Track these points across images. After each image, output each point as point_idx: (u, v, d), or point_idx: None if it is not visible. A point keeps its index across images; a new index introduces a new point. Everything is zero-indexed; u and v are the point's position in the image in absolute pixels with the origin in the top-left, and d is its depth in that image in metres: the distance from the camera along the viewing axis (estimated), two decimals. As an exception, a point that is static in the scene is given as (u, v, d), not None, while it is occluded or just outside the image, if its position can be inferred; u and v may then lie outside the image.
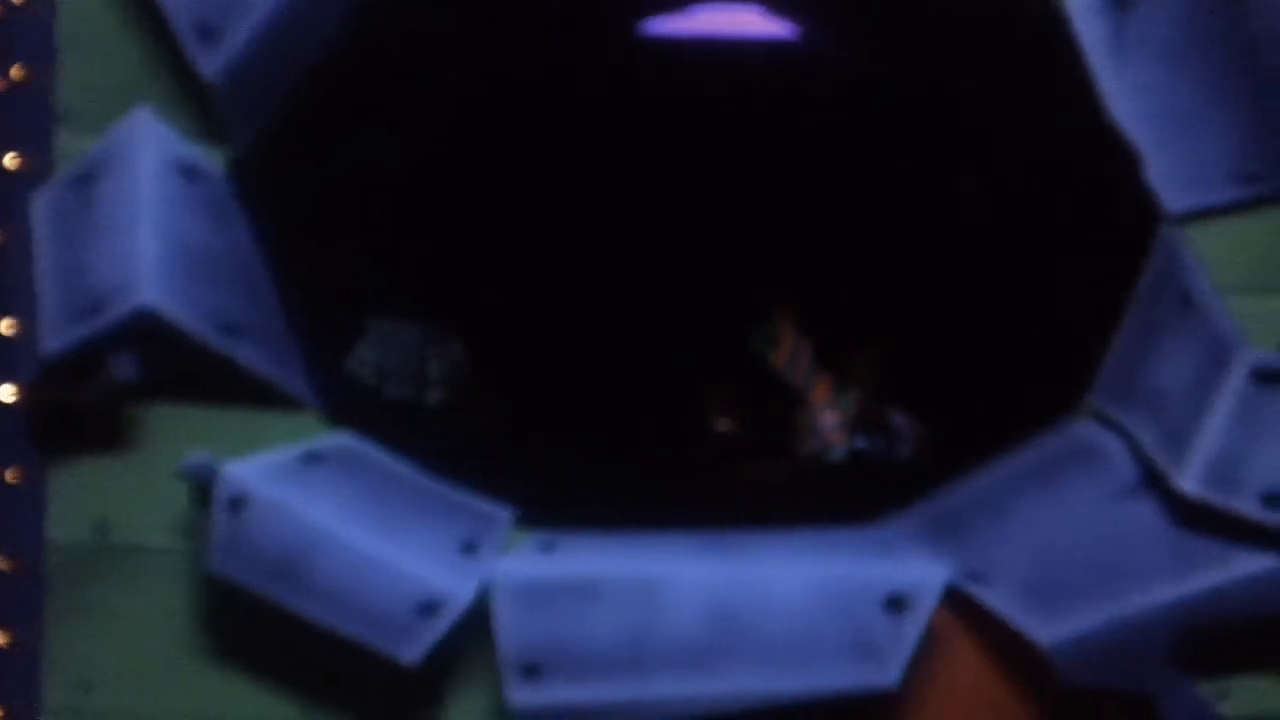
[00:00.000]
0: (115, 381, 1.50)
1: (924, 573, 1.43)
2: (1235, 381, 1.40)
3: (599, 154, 2.66)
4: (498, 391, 2.47)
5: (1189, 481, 1.40)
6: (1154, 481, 1.46)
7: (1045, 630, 1.42)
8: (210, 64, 1.51)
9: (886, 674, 1.38)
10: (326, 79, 1.70)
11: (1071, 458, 1.53)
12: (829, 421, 2.37)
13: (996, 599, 1.46)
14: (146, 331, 1.48)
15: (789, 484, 2.41)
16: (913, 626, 1.40)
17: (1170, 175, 1.52)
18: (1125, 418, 1.52)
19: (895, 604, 1.41)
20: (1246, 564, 1.40)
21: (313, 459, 1.52)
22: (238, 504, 1.42)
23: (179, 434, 1.56)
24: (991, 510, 1.53)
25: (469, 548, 1.50)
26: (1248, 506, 1.38)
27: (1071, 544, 1.47)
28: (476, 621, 1.47)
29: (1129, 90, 1.54)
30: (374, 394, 2.39)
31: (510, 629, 1.41)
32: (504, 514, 1.58)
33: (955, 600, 1.52)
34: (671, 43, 2.63)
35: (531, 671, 1.39)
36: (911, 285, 2.55)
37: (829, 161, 2.64)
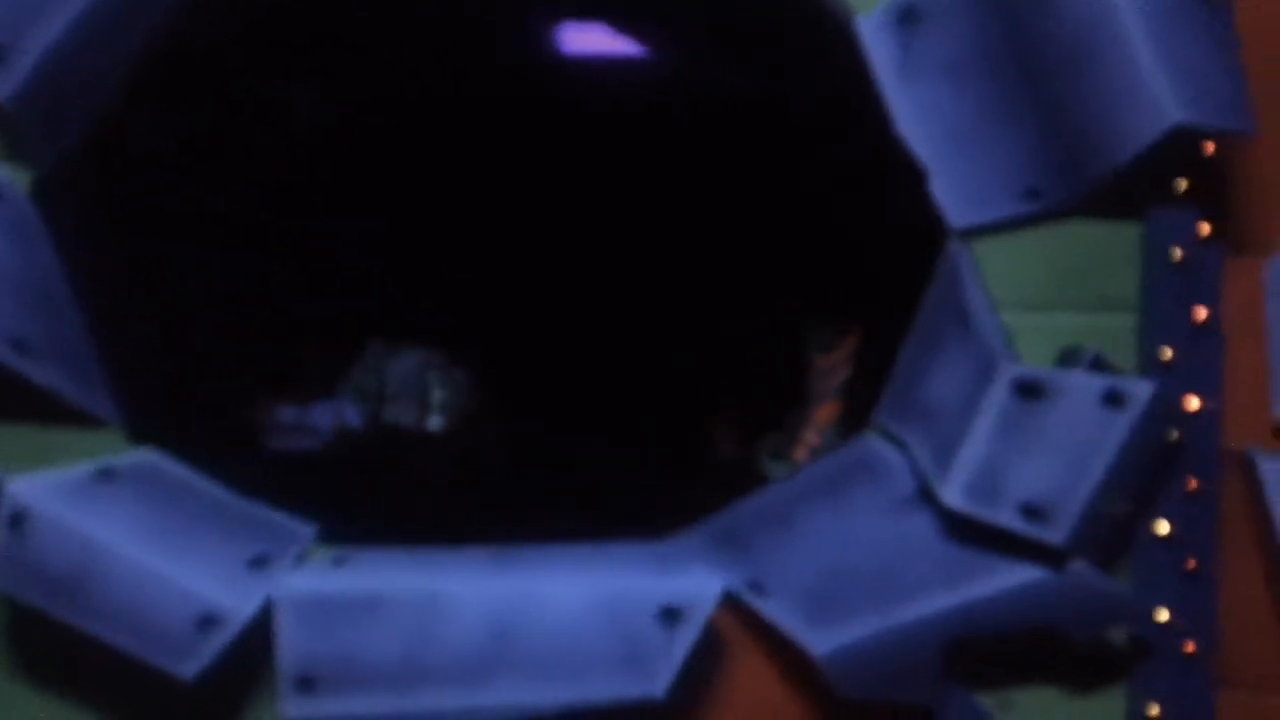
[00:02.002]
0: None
1: (699, 585, 1.44)
2: (997, 395, 1.42)
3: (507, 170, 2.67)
4: (501, 414, 2.47)
5: (951, 494, 1.42)
6: (929, 495, 1.49)
7: (818, 641, 1.43)
8: (1, 84, 1.54)
9: (655, 685, 1.38)
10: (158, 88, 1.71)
11: (856, 471, 1.54)
12: (813, 443, 2.38)
13: (775, 610, 1.48)
14: (-66, 350, 1.51)
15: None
16: (684, 638, 1.41)
17: (954, 191, 1.53)
18: (904, 432, 1.53)
19: (668, 616, 1.42)
20: (1012, 576, 1.41)
21: (106, 475, 1.53)
22: (19, 520, 1.43)
23: (-20, 451, 1.60)
24: (777, 523, 1.54)
25: (259, 563, 1.52)
26: (1007, 518, 1.39)
27: (849, 556, 1.49)
28: (267, 636, 1.50)
29: (915, 107, 1.55)
30: (372, 418, 2.39)
31: (288, 642, 1.42)
32: (305, 530, 1.60)
33: (741, 612, 1.55)
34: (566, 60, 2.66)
35: (306, 684, 1.40)
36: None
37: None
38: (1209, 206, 1.53)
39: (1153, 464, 1.44)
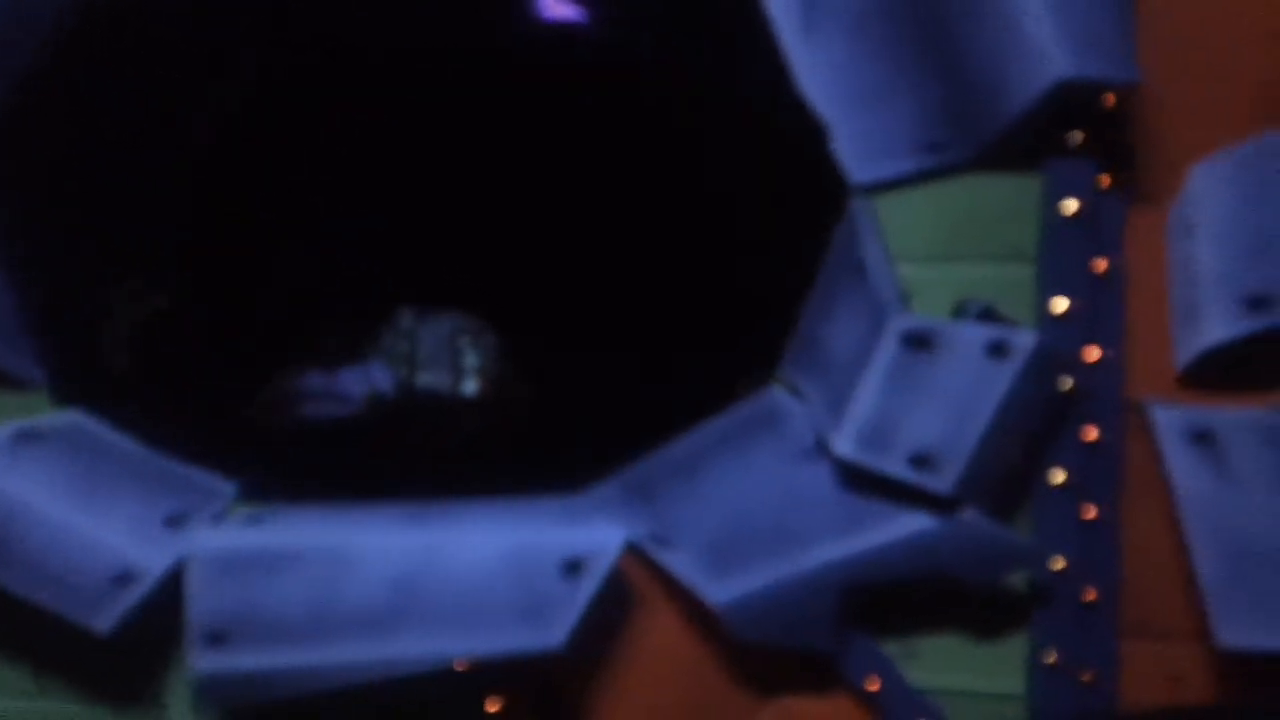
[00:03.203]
0: None
1: (601, 537, 1.46)
2: (887, 346, 1.43)
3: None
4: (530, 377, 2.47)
5: (842, 445, 1.44)
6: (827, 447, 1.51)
7: (716, 590, 1.46)
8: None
9: (553, 636, 1.41)
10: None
11: (759, 423, 1.56)
12: None
13: (677, 561, 1.50)
14: None
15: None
16: (585, 590, 1.44)
17: (856, 147, 1.55)
18: (804, 384, 1.55)
19: (570, 568, 1.45)
20: (904, 524, 1.43)
21: (27, 436, 1.56)
22: (-62, 480, 1.49)
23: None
24: (683, 475, 1.56)
25: (176, 521, 1.55)
26: (896, 468, 1.41)
27: (750, 507, 1.51)
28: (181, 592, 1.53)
29: (817, 64, 1.56)
30: (404, 384, 2.41)
31: (199, 598, 1.45)
32: (226, 488, 1.63)
33: (650, 564, 1.57)
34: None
35: (216, 639, 1.44)
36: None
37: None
38: (1109, 158, 1.54)
39: (1043, 413, 1.46)
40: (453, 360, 2.59)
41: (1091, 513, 1.53)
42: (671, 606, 1.55)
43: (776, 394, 1.58)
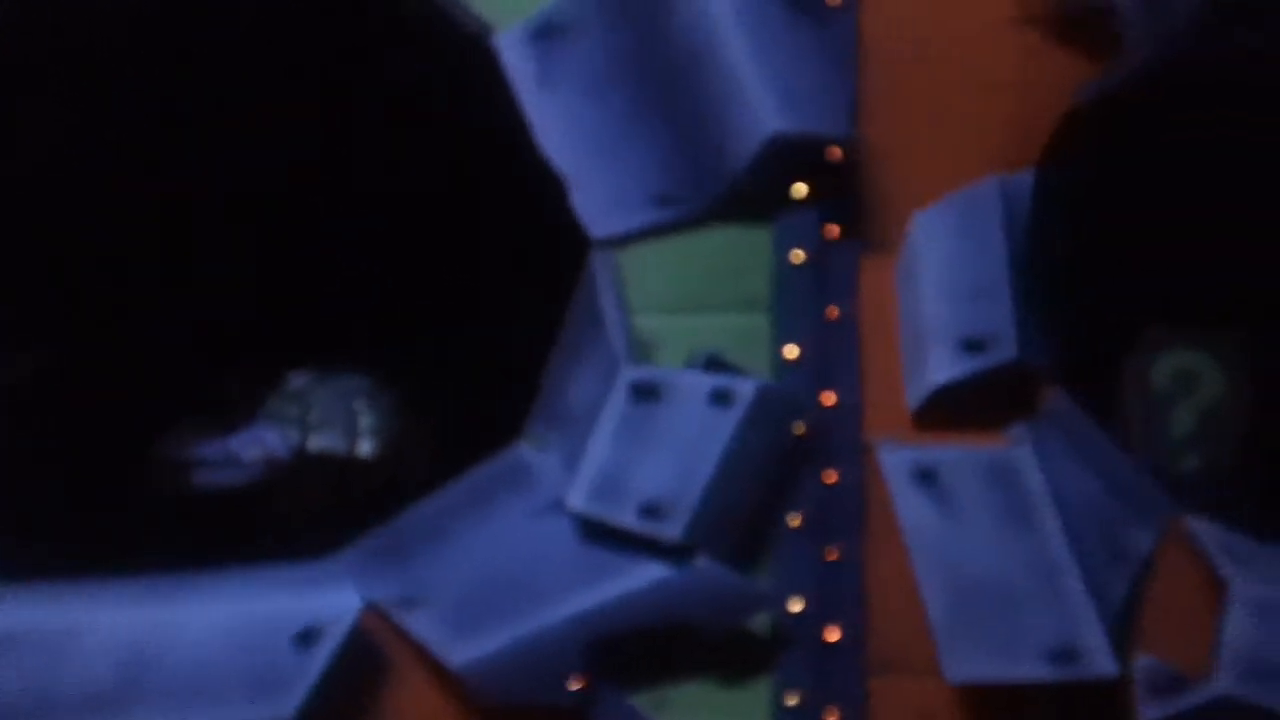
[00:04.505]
0: None
1: (337, 604, 1.44)
2: (617, 398, 1.46)
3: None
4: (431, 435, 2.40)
5: (575, 497, 1.45)
6: (568, 499, 1.52)
7: (456, 651, 1.44)
8: None
9: (285, 707, 1.38)
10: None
11: (506, 480, 1.56)
12: None
13: (422, 623, 1.48)
14: None
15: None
16: (319, 658, 1.41)
17: (594, 202, 1.57)
18: (549, 438, 1.56)
19: (305, 637, 1.42)
20: (641, 574, 1.44)
21: None
22: None
23: None
24: (432, 535, 1.55)
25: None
26: (627, 519, 1.42)
27: (496, 564, 1.51)
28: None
29: (554, 120, 1.59)
30: (298, 447, 2.32)
31: None
32: None
33: (399, 627, 1.54)
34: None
35: (-75, 731, 1.37)
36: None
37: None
38: (837, 209, 1.60)
39: (774, 458, 1.48)
40: (348, 421, 2.54)
41: (833, 554, 1.56)
42: (420, 669, 1.53)
43: (523, 450, 1.57)
